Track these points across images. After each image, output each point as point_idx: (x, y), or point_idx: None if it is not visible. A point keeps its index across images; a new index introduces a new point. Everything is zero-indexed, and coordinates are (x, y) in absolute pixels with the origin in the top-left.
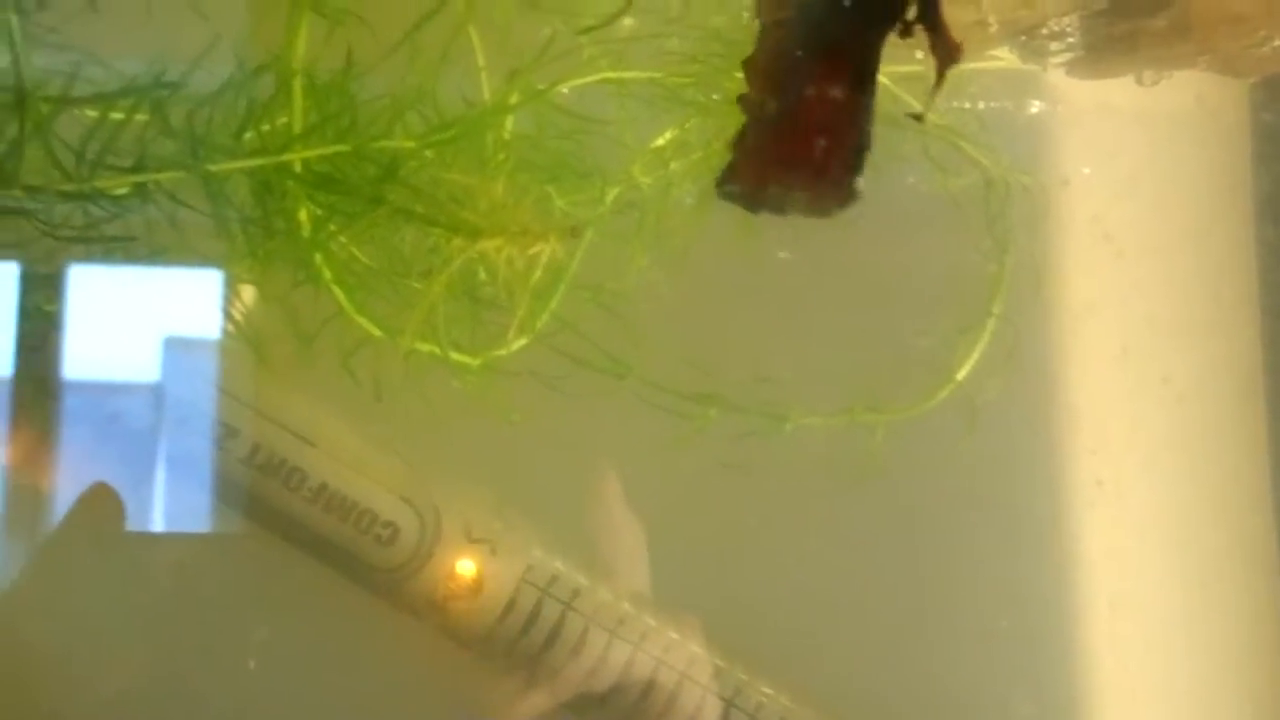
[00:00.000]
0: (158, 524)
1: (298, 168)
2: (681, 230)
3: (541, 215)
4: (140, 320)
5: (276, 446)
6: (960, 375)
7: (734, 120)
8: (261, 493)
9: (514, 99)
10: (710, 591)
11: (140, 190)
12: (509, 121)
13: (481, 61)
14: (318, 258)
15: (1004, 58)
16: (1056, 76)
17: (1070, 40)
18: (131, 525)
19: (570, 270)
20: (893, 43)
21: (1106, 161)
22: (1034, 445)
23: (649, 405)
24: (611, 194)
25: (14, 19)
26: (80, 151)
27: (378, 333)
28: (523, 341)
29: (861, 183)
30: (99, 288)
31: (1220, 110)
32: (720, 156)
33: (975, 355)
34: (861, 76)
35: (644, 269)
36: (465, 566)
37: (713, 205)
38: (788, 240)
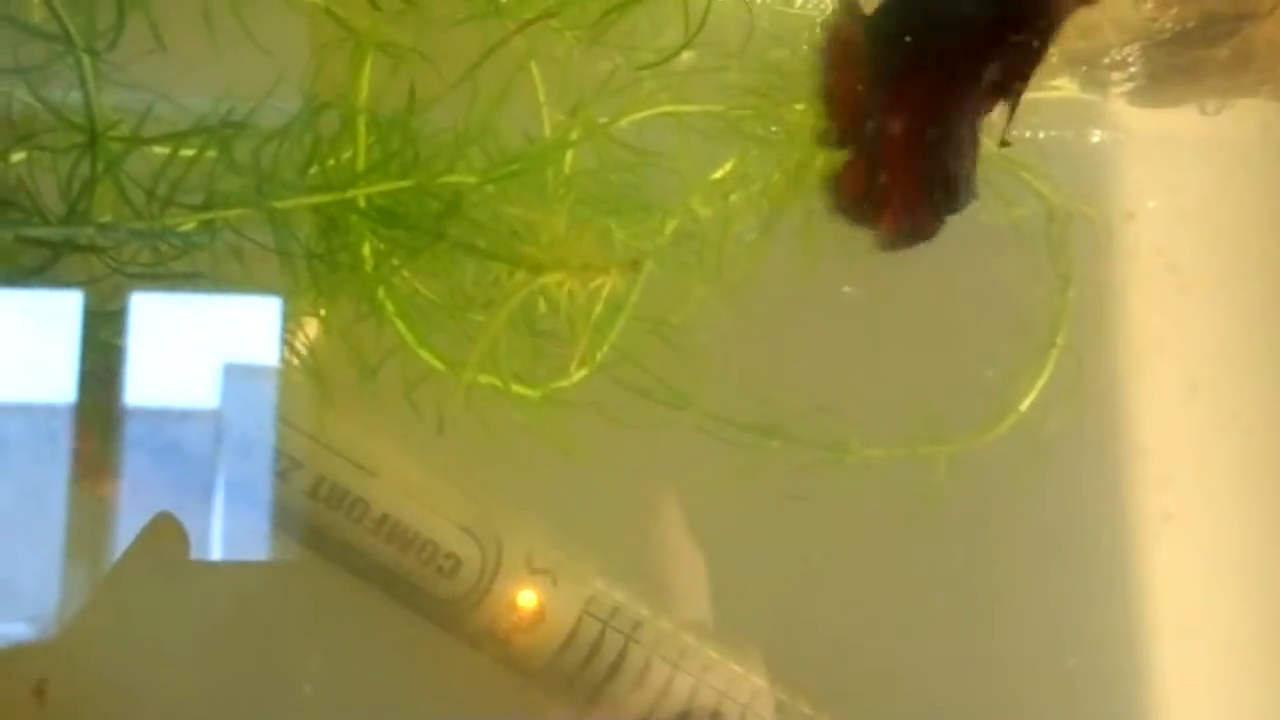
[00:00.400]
0: (219, 551)
1: (361, 203)
2: (741, 261)
3: (602, 248)
4: (201, 347)
5: (340, 478)
6: (1023, 406)
7: (797, 149)
8: (324, 523)
9: (575, 134)
10: (773, 623)
11: (208, 226)
12: (569, 156)
13: (542, 97)
14: (381, 291)
15: (1064, 87)
16: (1118, 106)
17: (1132, 70)
18: (194, 552)
19: (630, 303)
20: None
21: (1170, 193)
22: (1101, 478)
23: (710, 436)
24: (671, 226)
25: (86, 59)
26: (150, 189)
27: (440, 365)
28: (583, 373)
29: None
30: (161, 314)
31: None
32: (778, 188)
33: (1038, 386)
34: (933, 111)
35: (704, 300)
36: (527, 598)
37: (773, 237)
38: (849, 274)
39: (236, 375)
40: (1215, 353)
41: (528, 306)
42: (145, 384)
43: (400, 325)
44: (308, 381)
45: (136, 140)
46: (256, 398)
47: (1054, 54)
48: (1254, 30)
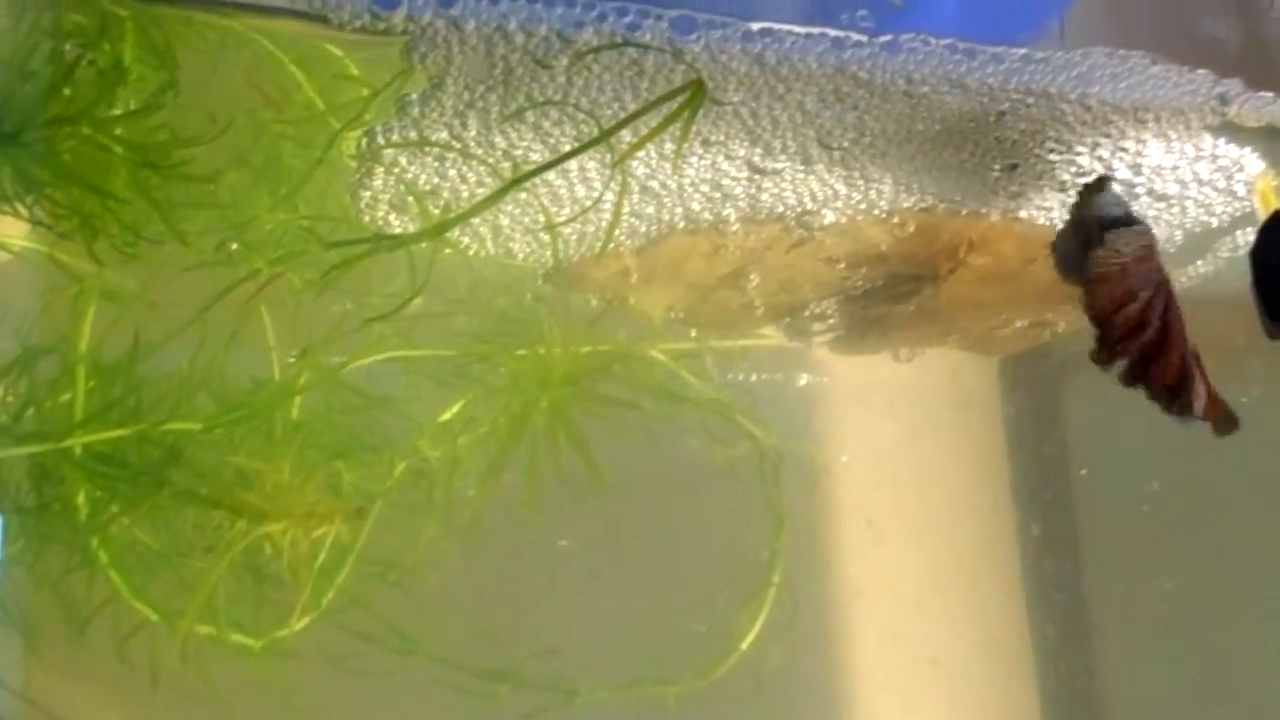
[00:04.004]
0: None
1: (78, 452)
2: (470, 503)
3: (328, 495)
4: None
5: None
6: (745, 645)
7: (519, 395)
8: None
9: (304, 378)
10: None
11: None
12: (298, 400)
13: (272, 340)
14: (95, 541)
15: (772, 335)
16: (821, 353)
17: (831, 321)
18: None
19: (357, 548)
20: (670, 320)
21: (867, 443)
22: None
23: (438, 684)
24: (400, 468)
25: None
26: None
27: (155, 617)
28: (306, 621)
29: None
30: None
31: (974, 384)
32: (505, 431)
33: (758, 624)
34: None
35: (433, 542)
36: None
37: (500, 479)
38: (571, 518)
39: None
40: (912, 603)
41: (252, 552)
42: None
43: (115, 576)
44: (13, 635)
45: None
46: None
47: (760, 306)
48: (936, 289)
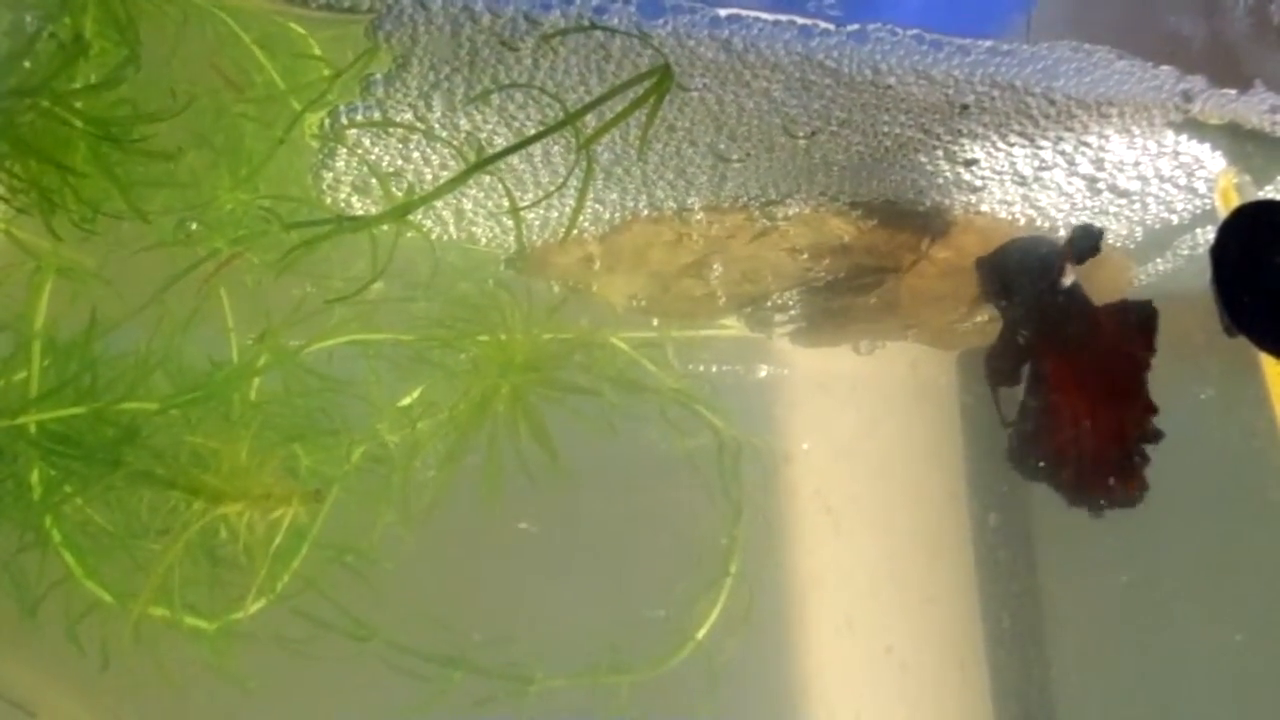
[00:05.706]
0: None
1: (33, 429)
2: (427, 489)
3: (285, 477)
4: None
5: None
6: (700, 634)
7: (479, 381)
8: None
9: (262, 360)
10: None
11: None
12: (256, 382)
13: (231, 322)
14: (48, 520)
15: (733, 326)
16: (782, 344)
17: (792, 312)
18: None
19: (314, 531)
20: (633, 308)
21: (826, 434)
22: (771, 712)
23: (393, 669)
24: (358, 453)
25: None
26: None
27: (108, 598)
28: (261, 604)
29: None
30: None
31: (932, 377)
32: (464, 417)
33: (714, 615)
34: None
35: (390, 527)
36: None
37: (458, 465)
38: (531, 504)
39: None
40: (868, 592)
41: (207, 533)
42: None
43: (67, 555)
44: None
45: None
46: None
47: (722, 296)
48: (897, 281)
